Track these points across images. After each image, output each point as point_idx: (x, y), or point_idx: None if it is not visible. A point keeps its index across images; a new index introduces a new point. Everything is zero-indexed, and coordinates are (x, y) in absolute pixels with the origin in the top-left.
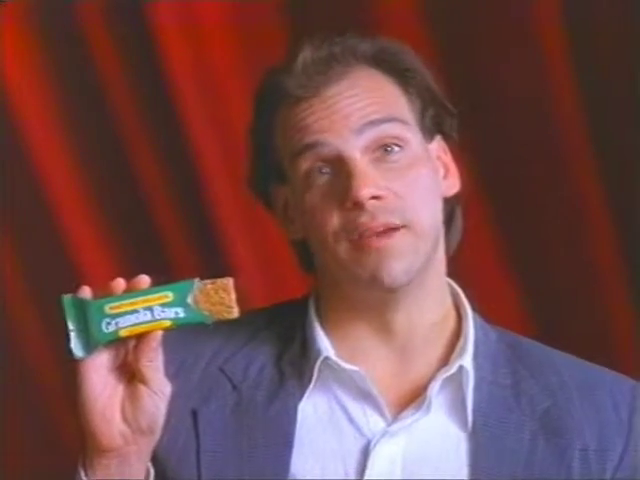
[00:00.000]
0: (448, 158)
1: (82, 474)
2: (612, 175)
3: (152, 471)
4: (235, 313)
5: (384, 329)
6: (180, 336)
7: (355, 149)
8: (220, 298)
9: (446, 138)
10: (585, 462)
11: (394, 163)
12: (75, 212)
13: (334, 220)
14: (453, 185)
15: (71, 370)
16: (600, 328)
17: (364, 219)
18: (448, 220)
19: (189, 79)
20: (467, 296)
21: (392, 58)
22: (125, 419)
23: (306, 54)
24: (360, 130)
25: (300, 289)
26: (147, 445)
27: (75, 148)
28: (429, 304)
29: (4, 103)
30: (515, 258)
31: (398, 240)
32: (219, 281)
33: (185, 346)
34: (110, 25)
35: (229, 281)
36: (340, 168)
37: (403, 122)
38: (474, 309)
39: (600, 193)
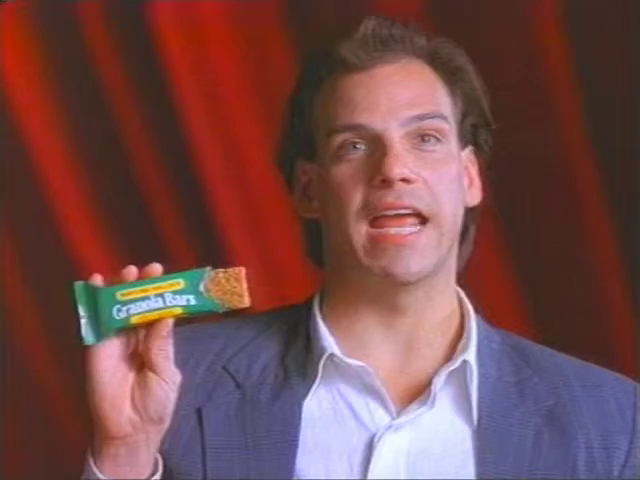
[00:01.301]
0: (474, 171)
1: (91, 462)
2: (613, 177)
3: (161, 461)
4: (246, 302)
5: (391, 321)
6: (184, 334)
7: (395, 133)
8: (232, 287)
9: (477, 151)
10: (591, 459)
11: (429, 153)
12: (75, 211)
13: (358, 197)
14: (475, 197)
15: (71, 369)
16: (601, 330)
17: (390, 199)
18: (463, 232)
19: (189, 78)
20: (470, 299)
21: (445, 57)
22: (135, 407)
23: (369, 26)
24: (404, 121)
25: (301, 287)
26: (156, 434)
27: (75, 147)
28: (438, 302)
29: (4, 103)
30: (516, 261)
31: (421, 237)
32: (231, 270)
33: (189, 344)
34: (110, 25)
35: (241, 270)
36: (376, 146)
37: (447, 120)
38: (477, 312)
39: (601, 195)
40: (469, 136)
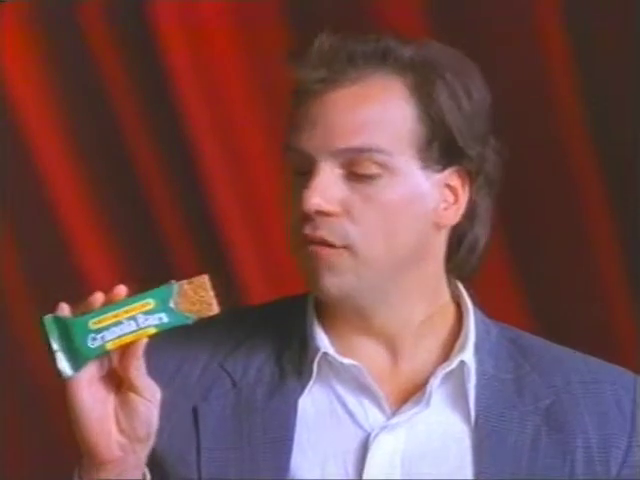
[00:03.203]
0: (461, 190)
1: None
2: (613, 173)
3: (148, 475)
4: (215, 309)
5: (366, 322)
6: (179, 334)
7: (326, 163)
8: (199, 297)
9: (466, 170)
10: (589, 458)
11: (366, 185)
12: (76, 214)
13: (292, 222)
14: (453, 217)
15: None
16: (601, 323)
17: (307, 230)
18: (456, 243)
19: (190, 78)
20: (469, 292)
21: (419, 71)
22: (121, 430)
23: (323, 47)
24: (335, 153)
25: (300, 287)
26: (143, 452)
27: (76, 148)
28: (412, 304)
29: (4, 103)
30: (517, 256)
31: (333, 257)
32: (195, 280)
33: (184, 344)
34: (110, 25)
35: (205, 279)
36: (310, 173)
37: (388, 153)
38: (475, 304)
39: (601, 191)
40: (445, 157)
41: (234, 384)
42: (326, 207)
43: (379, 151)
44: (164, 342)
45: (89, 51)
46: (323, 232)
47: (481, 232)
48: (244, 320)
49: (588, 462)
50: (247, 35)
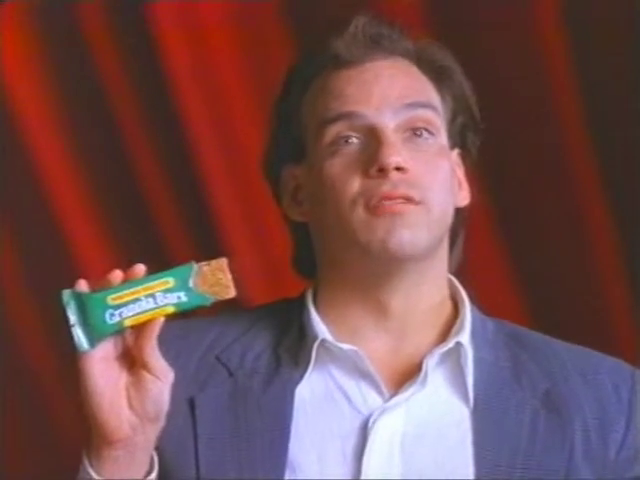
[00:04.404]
0: (461, 173)
1: (88, 466)
2: (612, 173)
3: (156, 458)
4: (232, 292)
5: (380, 311)
6: (177, 327)
7: (389, 123)
8: (217, 279)
9: (464, 154)
10: (587, 441)
11: (421, 147)
12: (74, 208)
13: (354, 187)
14: (463, 198)
15: (72, 368)
16: (599, 319)
17: (386, 188)
18: (452, 235)
19: (189, 78)
20: (467, 292)
21: (431, 58)
22: (132, 408)
23: (359, 24)
24: (397, 109)
25: (298, 280)
26: (153, 433)
27: (75, 147)
28: (427, 290)
29: (4, 103)
30: (515, 252)
31: (412, 211)
32: (214, 262)
33: (182, 336)
34: (110, 25)
35: (224, 261)
36: (370, 137)
37: (437, 112)
38: (472, 302)
39: (600, 190)
40: (457, 137)
41: (230, 374)
42: (404, 163)
43: (433, 108)
44: (160, 337)
45: (89, 51)
46: (404, 189)
47: (461, 222)
48: (243, 316)
49: (587, 445)
50: (247, 35)
